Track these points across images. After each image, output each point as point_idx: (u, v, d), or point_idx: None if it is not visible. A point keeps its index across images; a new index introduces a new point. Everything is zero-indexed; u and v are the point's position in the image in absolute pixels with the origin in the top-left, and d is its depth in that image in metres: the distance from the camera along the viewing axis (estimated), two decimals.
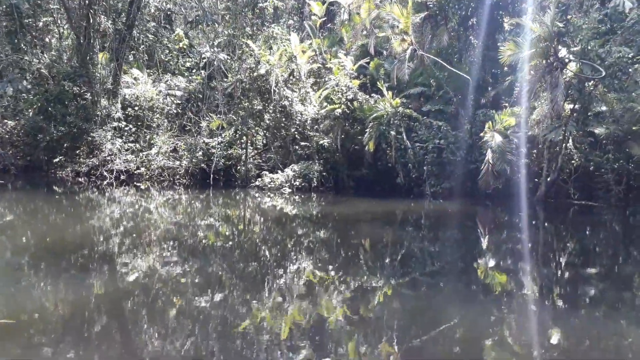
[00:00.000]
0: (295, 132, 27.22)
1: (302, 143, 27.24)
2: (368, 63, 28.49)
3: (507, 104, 24.92)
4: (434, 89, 27.40)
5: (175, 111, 29.32)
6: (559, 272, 11.71)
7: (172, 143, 28.06)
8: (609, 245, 15.32)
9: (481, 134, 23.65)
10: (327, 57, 28.86)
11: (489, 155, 22.72)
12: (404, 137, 24.61)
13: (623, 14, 20.71)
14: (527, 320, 8.32)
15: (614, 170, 21.91)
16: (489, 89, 27.42)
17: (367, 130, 24.67)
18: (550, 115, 22.05)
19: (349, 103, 25.68)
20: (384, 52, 29.99)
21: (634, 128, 20.24)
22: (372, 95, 26.56)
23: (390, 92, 25.47)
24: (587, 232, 17.73)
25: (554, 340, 7.29)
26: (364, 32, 30.09)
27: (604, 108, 23.39)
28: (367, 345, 6.97)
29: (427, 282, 10.49)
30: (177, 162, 27.29)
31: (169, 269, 10.43)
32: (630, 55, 18.94)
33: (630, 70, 18.57)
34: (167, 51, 33.82)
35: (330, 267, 11.31)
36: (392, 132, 24.72)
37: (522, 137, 23.39)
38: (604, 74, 19.00)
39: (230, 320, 7.69)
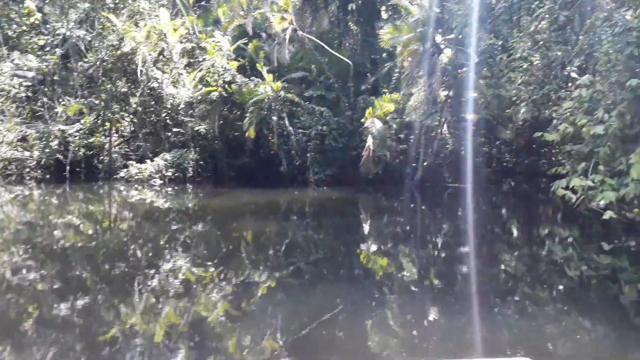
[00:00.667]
0: (167, 118, 26.09)
1: (175, 129, 26.21)
2: (247, 44, 28.13)
3: (386, 90, 26.32)
4: (315, 74, 27.92)
5: (24, 95, 26.39)
6: (436, 253, 12.74)
7: (21, 131, 25.31)
8: (478, 225, 17.00)
9: (362, 120, 24.72)
10: (202, 37, 27.98)
11: (369, 141, 23.85)
12: (287, 122, 24.83)
13: (491, 4, 22.90)
14: (409, 301, 8.92)
15: (484, 154, 24.34)
16: (369, 75, 28.75)
17: (247, 115, 24.46)
18: (427, 101, 23.73)
19: (226, 86, 25.20)
20: (264, 35, 29.86)
21: (506, 112, 22.39)
22: (251, 78, 26.35)
23: (270, 76, 25.47)
24: (459, 213, 19.49)
25: (431, 318, 7.92)
26: (242, 12, 29.67)
27: (474, 95, 25.77)
28: (250, 341, 6.95)
29: (312, 271, 10.75)
30: (27, 153, 24.72)
31: (22, 276, 9.44)
32: (499, 43, 21.02)
33: (498, 58, 20.63)
34: (15, 26, 30.21)
35: (209, 263, 11.06)
36: (274, 118, 24.81)
37: (400, 123, 24.94)
38: (476, 60, 20.90)
39: (95, 328, 7.17)
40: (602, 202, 10.75)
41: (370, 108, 24.46)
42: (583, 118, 12.07)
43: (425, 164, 24.20)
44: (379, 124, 23.80)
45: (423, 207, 20.69)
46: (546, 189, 18.35)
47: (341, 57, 26.52)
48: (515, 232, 15.77)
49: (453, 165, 25.35)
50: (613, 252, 11.55)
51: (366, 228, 15.88)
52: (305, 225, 16.14)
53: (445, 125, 24.39)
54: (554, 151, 22.96)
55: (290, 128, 24.83)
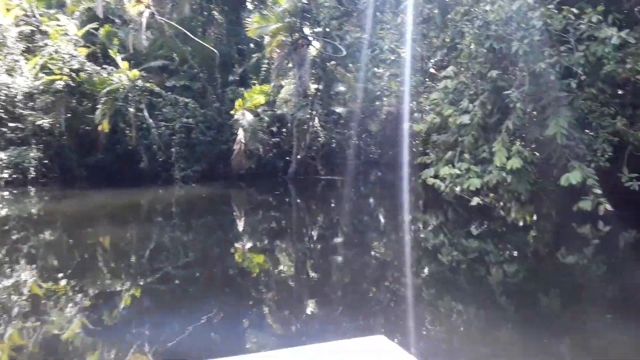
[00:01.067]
0: (1, 111, 23.05)
1: (12, 124, 23.26)
2: (97, 29, 25.87)
3: (256, 82, 25.95)
4: (177, 63, 26.62)
5: None
6: (311, 245, 12.74)
7: None
8: (352, 215, 17.45)
9: (232, 112, 24.09)
10: (44, 20, 25.13)
11: (240, 134, 23.32)
12: (146, 114, 23.26)
13: None
14: (288, 297, 8.70)
15: (354, 146, 25.14)
16: (236, 66, 28.09)
17: (100, 106, 22.47)
18: (297, 94, 23.82)
19: (73, 74, 22.91)
20: (118, 21, 27.69)
21: (373, 104, 23.32)
22: (104, 66, 24.30)
23: (126, 63, 23.70)
24: (333, 205, 19.91)
25: (313, 309, 7.80)
26: None
27: (342, 88, 26.49)
28: (112, 356, 6.23)
29: (181, 276, 10.06)
30: None
31: None
32: (365, 37, 21.71)
33: (364, 53, 21.33)
34: None
35: (61, 275, 9.84)
36: (131, 109, 23.10)
37: (272, 115, 24.78)
38: (344, 53, 21.38)
39: None
40: (469, 189, 11.54)
41: (240, 100, 23.94)
42: (448, 108, 12.87)
43: (298, 157, 24.31)
44: (249, 117, 23.37)
45: (298, 201, 20.75)
46: (411, 178, 19.47)
47: (206, 45, 25.56)
48: (386, 220, 16.43)
49: (325, 158, 25.82)
50: (479, 236, 12.50)
51: (240, 225, 15.40)
52: (172, 227, 15.19)
53: (316, 118, 24.72)
54: (416, 142, 24.50)
55: (151, 120, 23.35)
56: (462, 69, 12.66)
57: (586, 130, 11.80)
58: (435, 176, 13.47)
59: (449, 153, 12.66)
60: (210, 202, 19.53)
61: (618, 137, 11.39)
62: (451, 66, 12.94)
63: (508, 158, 11.51)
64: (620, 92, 12.29)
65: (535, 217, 14.84)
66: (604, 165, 11.13)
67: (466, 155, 12.01)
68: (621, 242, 12.06)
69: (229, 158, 24.66)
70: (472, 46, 12.29)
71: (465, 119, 11.55)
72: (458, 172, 11.80)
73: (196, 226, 15.46)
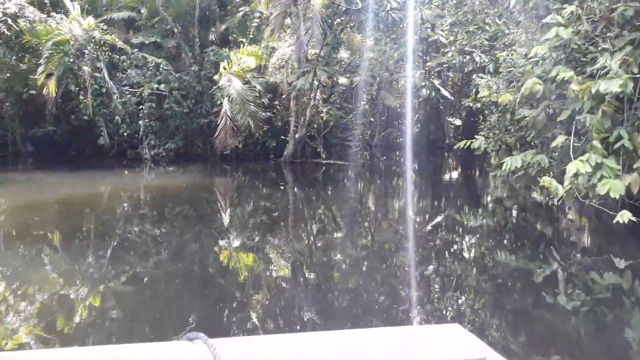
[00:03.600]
0: None
1: None
2: None
3: (244, 41, 20.96)
4: (146, 16, 21.47)
5: None
6: (318, 250, 8.39)
7: None
8: (406, 234, 13.02)
9: (215, 78, 19.20)
10: None
11: (225, 105, 18.49)
12: (106, 76, 18.03)
13: None
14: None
15: (365, 125, 20.62)
16: (218, 22, 22.94)
17: (43, 61, 17.18)
18: (297, 58, 19.07)
19: (9, 21, 17.50)
20: None
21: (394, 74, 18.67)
22: (51, 15, 18.93)
23: (79, 8, 18.41)
24: (367, 211, 15.33)
25: None
26: None
27: (344, 55, 21.80)
28: None
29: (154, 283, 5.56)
30: None
31: None
32: None
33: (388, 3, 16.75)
34: None
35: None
36: (87, 68, 17.86)
37: (265, 84, 19.98)
38: (359, 5, 16.70)
39: None
40: (604, 195, 7.33)
41: (226, 62, 19.02)
42: (565, 70, 8.53)
43: (296, 136, 19.65)
44: (238, 84, 18.51)
45: (296, 191, 16.03)
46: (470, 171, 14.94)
47: None
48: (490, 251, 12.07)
49: (327, 138, 21.22)
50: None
51: (218, 226, 10.78)
52: (139, 224, 10.48)
53: (318, 90, 20.01)
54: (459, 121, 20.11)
55: (112, 84, 18.20)
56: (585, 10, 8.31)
57: None
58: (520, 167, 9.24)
59: (561, 137, 8.35)
60: (186, 191, 14.61)
61: None
62: (571, 5, 8.53)
63: None
64: None
65: None
66: None
67: (595, 143, 7.75)
68: None
69: (210, 135, 19.86)
70: None
71: (613, 84, 7.25)
72: (588, 168, 7.53)
73: (169, 223, 10.77)
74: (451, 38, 16.08)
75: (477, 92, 13.95)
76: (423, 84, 24.78)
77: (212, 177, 17.97)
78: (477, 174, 21.43)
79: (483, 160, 23.24)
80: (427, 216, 12.36)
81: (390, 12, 18.24)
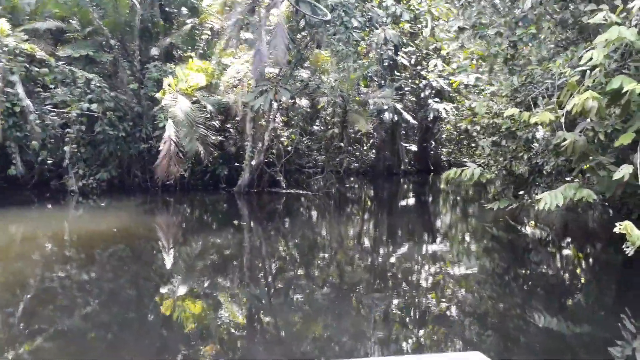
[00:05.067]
0: None
1: None
2: None
3: (191, 57, 18.26)
4: (77, 27, 18.45)
5: None
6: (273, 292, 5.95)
7: None
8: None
9: (157, 95, 16.41)
10: None
11: (170, 128, 15.68)
12: (21, 93, 14.74)
13: None
14: None
15: (334, 150, 18.26)
16: (161, 36, 20.13)
17: None
18: (255, 75, 16.61)
19: None
20: None
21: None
22: None
23: None
24: (304, 239, 12.77)
25: None
26: None
27: (304, 74, 19.55)
28: None
29: None
30: None
31: None
32: None
33: (356, 12, 14.69)
34: None
35: None
36: None
37: (217, 104, 17.32)
38: (328, 16, 14.50)
39: None
40: None
41: (170, 79, 16.31)
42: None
43: (252, 163, 17.01)
44: (184, 103, 15.80)
45: (254, 232, 13.33)
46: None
47: (119, 4, 17.64)
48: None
49: (288, 166, 18.69)
50: None
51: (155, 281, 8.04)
52: (60, 281, 7.55)
53: (278, 112, 17.54)
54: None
55: (29, 102, 14.97)
56: None
57: None
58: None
59: (627, 167, 6.32)
60: (117, 235, 11.67)
61: None
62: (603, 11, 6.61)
63: None
64: None
65: None
66: None
67: None
68: None
69: (150, 162, 16.98)
70: None
71: None
72: None
73: (87, 280, 7.89)
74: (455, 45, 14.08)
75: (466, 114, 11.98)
76: (386, 107, 22.89)
77: (152, 215, 14.95)
78: (464, 208, 19.36)
79: (458, 192, 21.52)
80: (427, 277, 9.99)
81: (352, 30, 16.21)
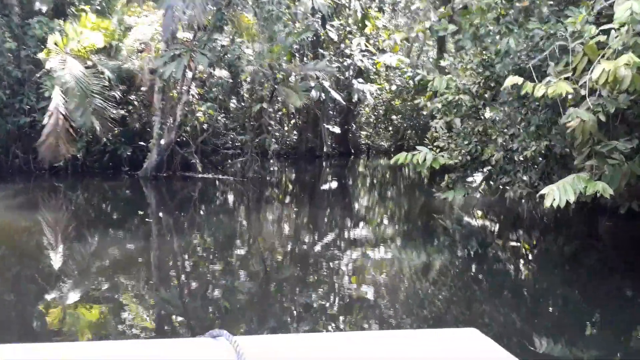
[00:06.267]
0: None
1: None
2: None
3: (85, 11, 15.00)
4: None
5: None
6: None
7: None
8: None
9: (41, 57, 13.26)
10: None
11: (57, 98, 12.70)
12: None
13: None
14: None
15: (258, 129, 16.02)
16: None
17: None
18: (165, 37, 13.94)
19: None
20: None
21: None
22: None
23: None
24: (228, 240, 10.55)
25: None
26: None
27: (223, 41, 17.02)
28: None
29: None
30: None
31: None
32: None
33: None
34: None
35: None
36: None
37: (116, 69, 14.42)
38: None
39: None
40: None
41: (58, 36, 13.22)
42: None
43: (162, 143, 14.37)
44: (77, 67, 12.86)
45: (166, 231, 10.82)
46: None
47: None
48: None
49: (202, 147, 16.19)
50: None
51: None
52: None
53: (193, 83, 14.93)
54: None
55: None
56: None
57: None
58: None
59: None
60: (3, 240, 8.81)
61: None
62: None
63: None
64: None
65: None
66: None
67: None
68: None
69: (34, 139, 13.88)
70: None
71: None
72: None
73: None
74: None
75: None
76: (312, 84, 20.97)
77: (36, 204, 12.00)
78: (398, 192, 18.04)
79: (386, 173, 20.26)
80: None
81: None
